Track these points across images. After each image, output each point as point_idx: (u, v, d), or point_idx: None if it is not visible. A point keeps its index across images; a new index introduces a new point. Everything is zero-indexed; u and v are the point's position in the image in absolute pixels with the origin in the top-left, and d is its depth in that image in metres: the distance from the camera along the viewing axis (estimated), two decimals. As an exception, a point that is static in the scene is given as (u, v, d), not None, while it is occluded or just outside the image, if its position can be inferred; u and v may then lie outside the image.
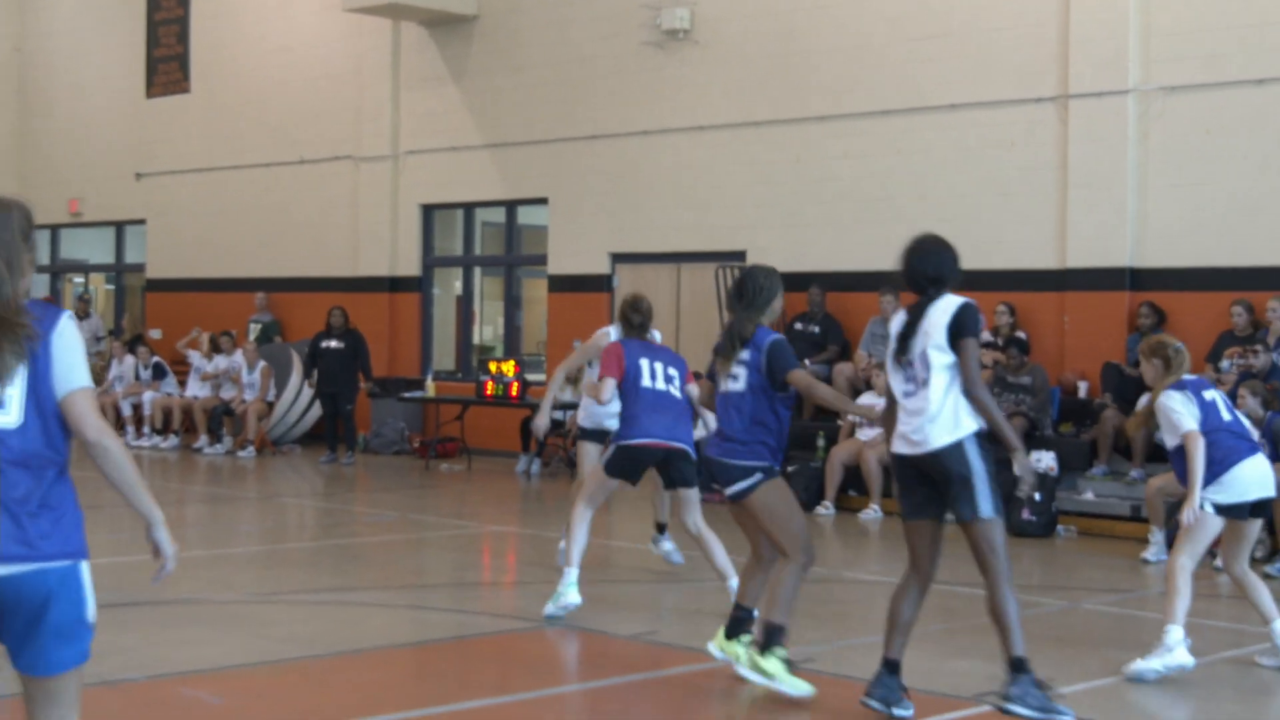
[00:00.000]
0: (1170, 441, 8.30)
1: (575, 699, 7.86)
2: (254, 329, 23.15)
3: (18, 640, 4.27)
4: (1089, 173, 15.72)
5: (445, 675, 8.35)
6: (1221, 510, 8.27)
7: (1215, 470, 8.21)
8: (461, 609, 10.23)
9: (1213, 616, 9.80)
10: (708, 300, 18.19)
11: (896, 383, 7.18)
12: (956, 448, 6.91)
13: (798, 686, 7.42)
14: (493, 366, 19.24)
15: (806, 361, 17.04)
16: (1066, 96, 15.92)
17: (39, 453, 4.24)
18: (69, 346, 4.34)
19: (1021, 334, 15.82)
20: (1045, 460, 14.24)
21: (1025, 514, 14.00)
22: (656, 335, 10.29)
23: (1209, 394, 8.35)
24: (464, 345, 22.22)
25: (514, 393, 18.80)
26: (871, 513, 15.11)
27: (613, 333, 11.29)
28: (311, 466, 19.67)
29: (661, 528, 11.53)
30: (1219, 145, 15.10)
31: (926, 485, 7.06)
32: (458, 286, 22.49)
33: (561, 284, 20.32)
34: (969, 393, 6.96)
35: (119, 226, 27.10)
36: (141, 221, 26.15)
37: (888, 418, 7.36)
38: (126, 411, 22.29)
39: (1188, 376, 8.42)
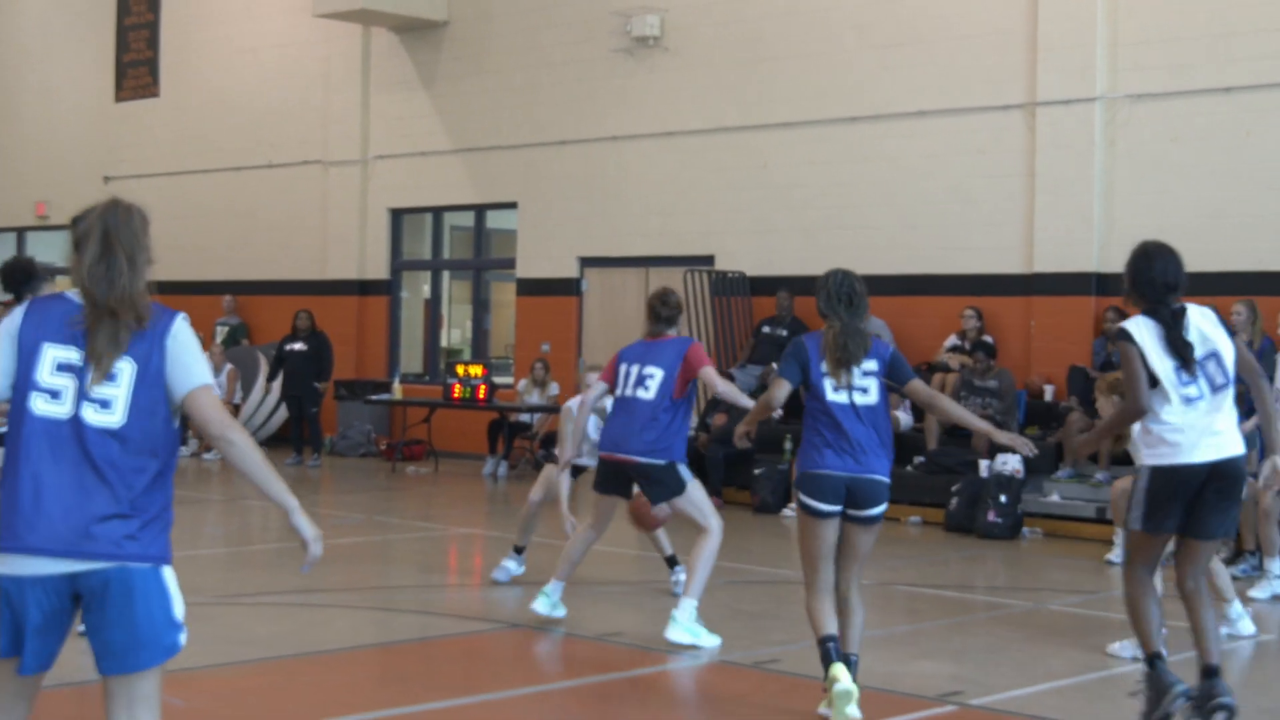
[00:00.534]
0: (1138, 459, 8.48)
1: (540, 700, 7.85)
2: (221, 332, 23.08)
3: (100, 639, 4.31)
4: (1056, 179, 15.79)
5: (410, 677, 8.33)
6: None
7: None
8: (427, 610, 10.21)
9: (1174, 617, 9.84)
10: (676, 305, 18.18)
11: (1177, 390, 6.74)
12: (1244, 455, 6.93)
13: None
14: (460, 369, 19.22)
15: (773, 364, 17.10)
16: (1034, 104, 15.99)
17: (138, 454, 4.29)
18: (185, 346, 4.43)
19: (988, 338, 15.88)
20: (1011, 463, 14.30)
21: (991, 516, 14.06)
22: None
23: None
24: (432, 348, 22.19)
25: (481, 395, 18.78)
26: (838, 517, 15.11)
27: (574, 408, 10.44)
28: (277, 469, 19.54)
29: (671, 561, 10.72)
30: (1185, 153, 15.18)
31: (1187, 497, 6.80)
32: (426, 290, 22.47)
33: (530, 287, 20.31)
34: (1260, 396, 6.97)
35: (86, 229, 26.91)
36: (109, 224, 25.97)
37: None
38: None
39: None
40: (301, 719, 7.12)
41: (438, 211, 21.99)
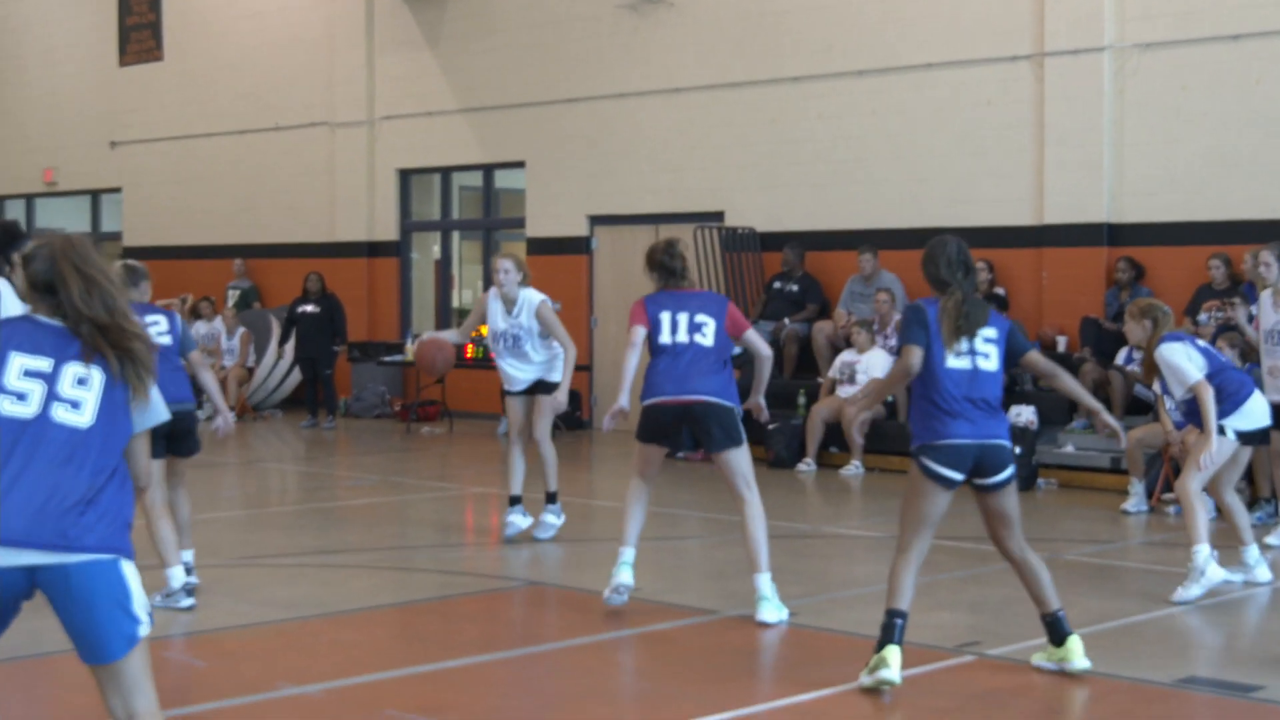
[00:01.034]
0: (1179, 393, 8.86)
1: (559, 656, 7.90)
2: (232, 295, 23.11)
3: (69, 630, 4.48)
4: (1065, 130, 15.74)
5: (430, 635, 8.37)
6: (1243, 436, 9.00)
7: (1236, 401, 8.95)
8: (445, 570, 10.25)
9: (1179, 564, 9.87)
10: (687, 261, 18.14)
11: None
12: None
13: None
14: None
15: (786, 320, 17.10)
16: (1042, 54, 15.92)
17: (102, 454, 4.49)
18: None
19: (1000, 290, 15.86)
20: (1025, 414, 14.31)
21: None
22: None
23: (1201, 343, 8.99)
24: (443, 309, 22.18)
25: (494, 355, 18.74)
26: (853, 469, 15.16)
27: (489, 297, 11.06)
28: (292, 431, 19.67)
29: (551, 497, 11.12)
30: (1195, 101, 15.12)
31: None
32: (436, 250, 22.45)
33: (540, 246, 20.30)
34: None
35: (94, 195, 26.97)
36: (117, 190, 26.03)
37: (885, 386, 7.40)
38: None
39: (1179, 333, 9.19)
40: (322, 678, 7.16)
41: (446, 172, 21.95)
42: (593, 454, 17.41)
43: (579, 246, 19.80)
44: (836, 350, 16.33)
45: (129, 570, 4.50)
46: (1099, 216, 15.52)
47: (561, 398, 10.79)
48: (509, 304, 11.00)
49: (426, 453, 17.37)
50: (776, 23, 17.89)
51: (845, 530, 12.06)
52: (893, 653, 6.88)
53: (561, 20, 19.85)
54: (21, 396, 4.46)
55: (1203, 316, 13.81)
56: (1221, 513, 9.50)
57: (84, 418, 4.47)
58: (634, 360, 8.75)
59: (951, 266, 7.22)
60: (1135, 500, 12.57)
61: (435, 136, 21.41)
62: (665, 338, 8.58)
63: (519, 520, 11.07)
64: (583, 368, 18.73)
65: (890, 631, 6.93)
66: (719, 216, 18.34)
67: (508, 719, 6.77)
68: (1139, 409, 14.14)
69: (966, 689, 7.07)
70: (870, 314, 16.19)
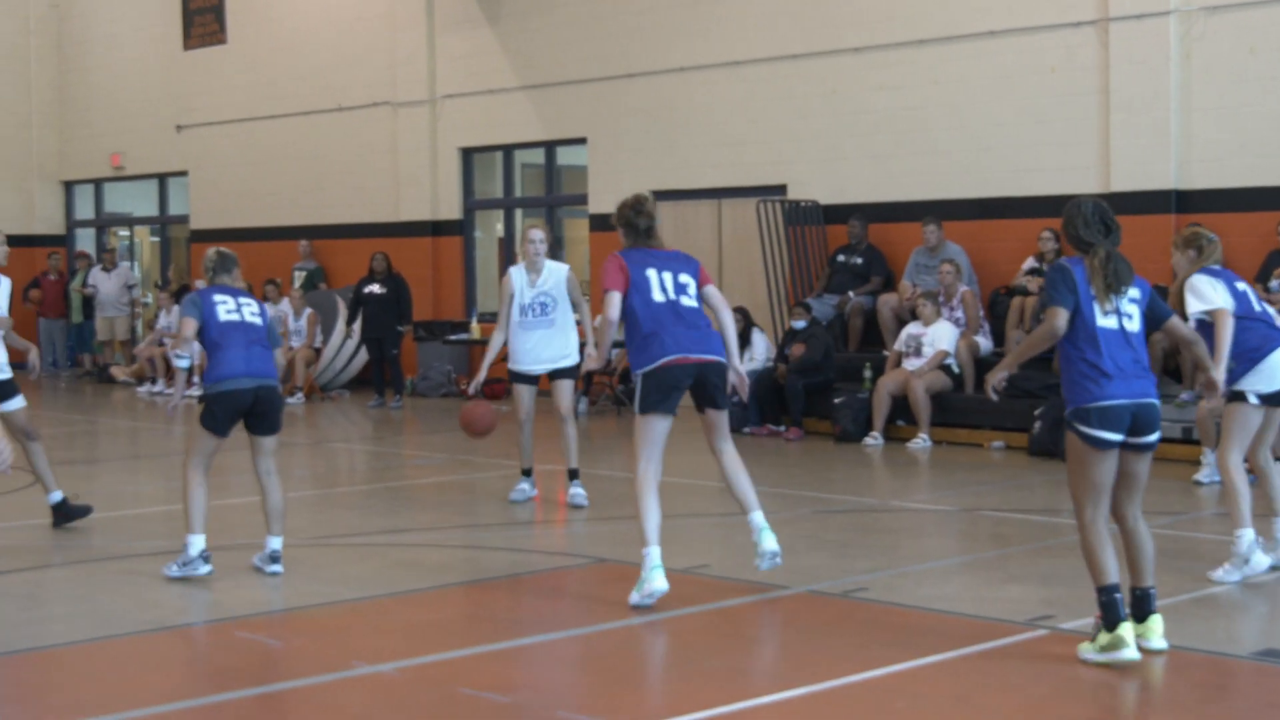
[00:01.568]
0: (1195, 313, 8.44)
1: (629, 633, 7.91)
2: (299, 276, 23.26)
3: None
4: (1131, 96, 15.58)
5: (500, 613, 8.42)
6: (1264, 399, 8.55)
7: (1253, 357, 8.51)
8: (514, 547, 10.30)
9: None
10: (749, 235, 18.15)
11: None
12: None
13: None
14: (536, 307, 19.21)
15: (850, 293, 17.04)
16: (1106, 19, 15.76)
17: None
18: None
19: (1066, 260, 15.72)
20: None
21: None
22: None
23: (1240, 285, 8.55)
24: (507, 287, 22.20)
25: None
26: (920, 442, 15.11)
27: (512, 273, 11.60)
28: (360, 411, 19.80)
29: (573, 474, 11.74)
30: (1263, 64, 14.93)
31: None
32: (499, 228, 22.51)
33: (602, 223, 20.27)
34: None
35: (161, 179, 27.23)
36: (183, 173, 26.25)
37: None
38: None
39: (1218, 268, 8.62)
40: (396, 657, 7.22)
41: (508, 149, 21.99)
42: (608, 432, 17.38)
43: (642, 222, 19.76)
44: (902, 323, 16.27)
45: None
46: (1166, 183, 15.36)
47: (593, 351, 10.34)
48: (535, 274, 11.58)
49: (493, 431, 17.40)
50: (837, -7, 17.81)
51: (913, 504, 12.02)
52: (1127, 629, 6.80)
53: (621, -5, 19.84)
54: None
55: (1274, 283, 13.66)
56: (1256, 476, 9.13)
57: None
58: (612, 336, 8.63)
59: (1089, 225, 7.19)
60: (1207, 470, 12.43)
61: (497, 114, 21.45)
62: (658, 295, 8.34)
63: (528, 489, 11.91)
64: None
65: (1114, 609, 6.82)
66: (781, 190, 18.29)
67: (580, 696, 6.80)
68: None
69: (1040, 663, 7.03)
70: (935, 285, 16.11)
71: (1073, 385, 7.01)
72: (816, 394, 16.15)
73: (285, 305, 21.65)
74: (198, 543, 8.99)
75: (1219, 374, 7.55)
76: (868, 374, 16.05)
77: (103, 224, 28.64)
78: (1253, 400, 8.54)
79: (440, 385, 21.30)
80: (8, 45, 28.00)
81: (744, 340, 16.93)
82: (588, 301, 12.23)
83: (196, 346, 9.19)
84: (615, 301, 8.31)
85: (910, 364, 15.62)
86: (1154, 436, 7.03)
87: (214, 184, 25.42)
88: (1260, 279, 13.95)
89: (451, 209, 22.26)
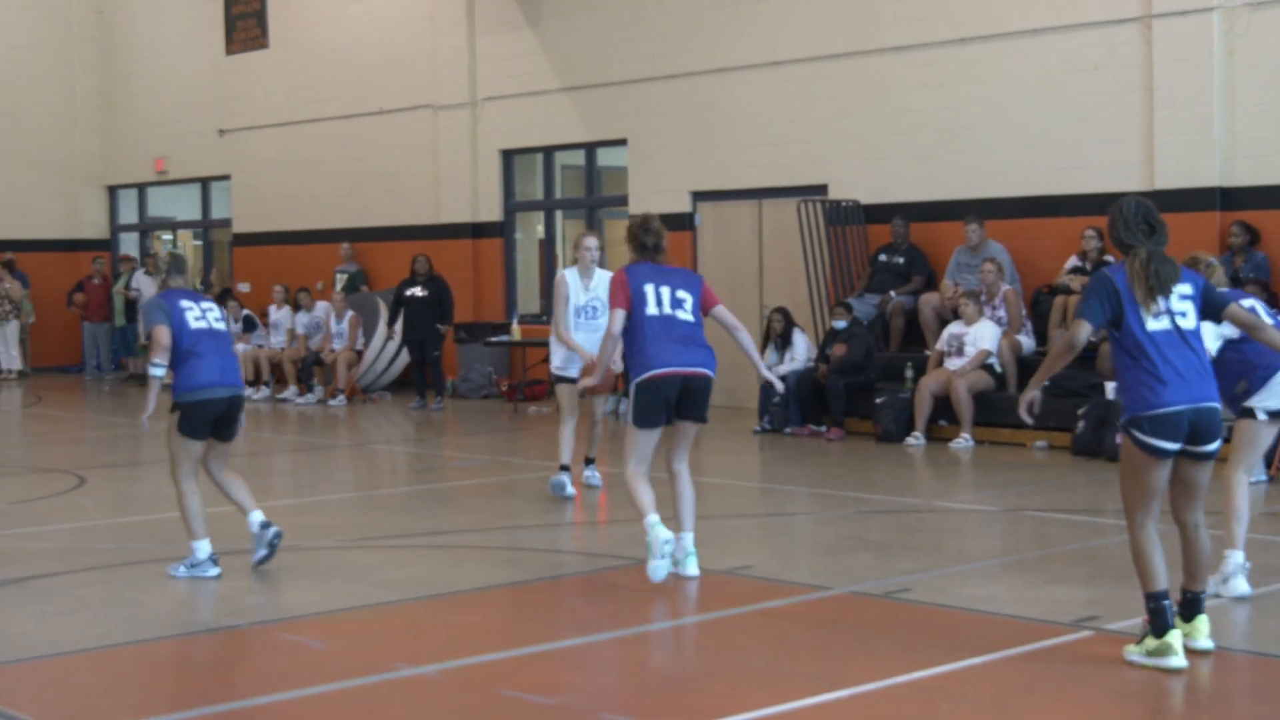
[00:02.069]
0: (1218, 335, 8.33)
1: (672, 635, 7.90)
2: (340, 279, 23.35)
3: None
4: (1175, 93, 15.47)
5: (542, 615, 8.42)
6: (1274, 415, 8.41)
7: (1261, 375, 8.32)
8: (555, 549, 10.31)
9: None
10: (790, 236, 18.10)
11: None
12: None
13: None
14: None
15: (892, 293, 16.99)
16: (1150, 16, 15.65)
17: None
18: None
19: (1110, 258, 15.64)
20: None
21: (1119, 438, 13.85)
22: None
23: (1247, 302, 8.36)
24: (548, 288, 22.26)
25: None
26: (962, 442, 15.05)
27: (566, 275, 12.07)
28: (401, 413, 19.84)
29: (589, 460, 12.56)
30: (1308, 59, 14.81)
31: None
32: (540, 230, 22.53)
33: (643, 224, 20.27)
34: None
35: (204, 183, 27.38)
36: (226, 177, 26.39)
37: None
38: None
39: (1223, 290, 8.45)
40: (439, 659, 7.22)
41: (548, 151, 22.01)
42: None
43: (682, 223, 19.78)
44: (943, 322, 16.20)
45: None
46: (1211, 180, 15.25)
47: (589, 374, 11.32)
48: (588, 279, 12.02)
49: (534, 432, 17.44)
50: (877, -8, 17.76)
51: (956, 504, 11.96)
52: (1176, 637, 6.74)
53: (661, -4, 19.84)
54: None
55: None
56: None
57: None
58: (614, 350, 9.12)
59: (1130, 227, 6.99)
60: (1253, 469, 12.32)
61: (537, 116, 21.48)
62: (653, 309, 8.71)
63: (567, 482, 12.19)
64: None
65: (1163, 615, 6.75)
66: (822, 190, 18.25)
67: (622, 698, 6.79)
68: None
69: (1085, 665, 6.98)
70: (977, 285, 16.04)
71: (1128, 391, 6.92)
72: (858, 394, 16.10)
73: (320, 309, 21.78)
74: (204, 546, 9.15)
75: None
76: (910, 374, 15.99)
77: (146, 228, 28.82)
78: (1261, 416, 8.39)
79: (481, 387, 21.33)
80: (53, 52, 28.20)
81: (785, 340, 16.94)
82: None
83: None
84: (617, 318, 8.71)
85: (952, 363, 15.56)
86: (1213, 446, 6.91)
87: (256, 188, 25.55)
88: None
89: (492, 211, 22.29)
